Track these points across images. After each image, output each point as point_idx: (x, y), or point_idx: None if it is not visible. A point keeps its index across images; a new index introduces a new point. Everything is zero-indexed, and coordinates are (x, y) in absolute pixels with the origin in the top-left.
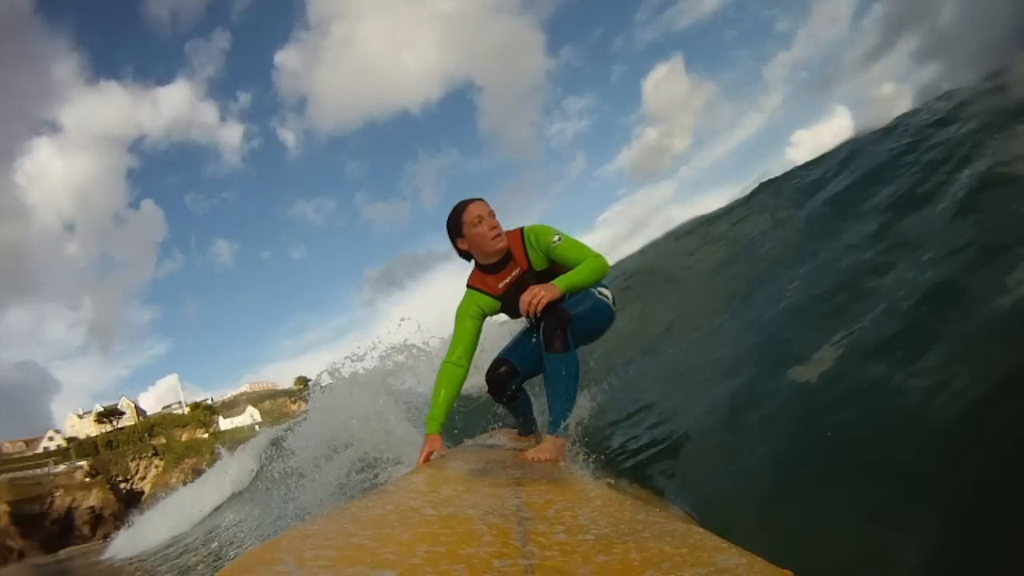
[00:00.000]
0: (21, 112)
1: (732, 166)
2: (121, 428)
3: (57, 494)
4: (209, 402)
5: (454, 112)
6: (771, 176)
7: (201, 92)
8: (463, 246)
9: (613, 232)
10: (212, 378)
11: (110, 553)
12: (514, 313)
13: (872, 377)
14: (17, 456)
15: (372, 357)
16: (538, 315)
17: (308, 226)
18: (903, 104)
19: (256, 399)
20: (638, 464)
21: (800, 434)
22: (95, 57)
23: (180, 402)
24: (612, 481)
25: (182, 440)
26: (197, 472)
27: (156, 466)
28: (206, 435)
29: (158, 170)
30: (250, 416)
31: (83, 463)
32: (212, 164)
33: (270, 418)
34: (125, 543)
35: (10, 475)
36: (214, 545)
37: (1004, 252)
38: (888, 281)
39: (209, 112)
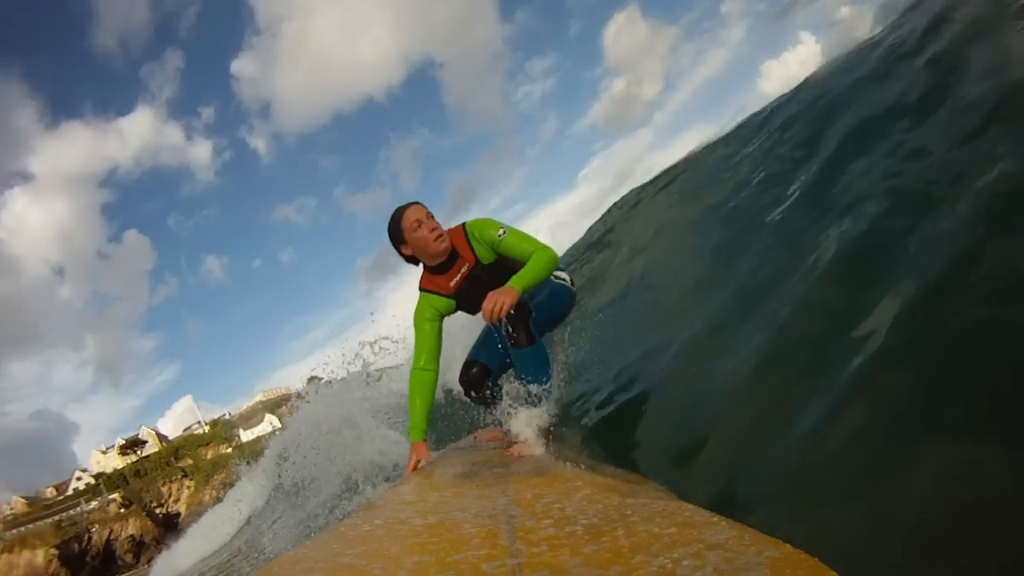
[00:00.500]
0: None
1: (706, 105)
2: (146, 456)
3: (94, 530)
4: (227, 417)
5: (418, 92)
6: (746, 108)
7: (163, 115)
8: (407, 251)
9: (596, 188)
10: (226, 393)
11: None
12: (471, 310)
13: (868, 343)
14: (52, 500)
15: (348, 360)
16: (502, 321)
17: (294, 228)
18: (863, 26)
19: (272, 406)
20: (624, 446)
21: (787, 404)
22: (51, 101)
23: (199, 422)
24: (598, 467)
25: (208, 458)
26: (229, 486)
27: (188, 487)
28: (230, 449)
29: (135, 199)
30: (269, 424)
31: (115, 496)
32: (187, 184)
33: (288, 422)
34: (164, 568)
35: (50, 520)
36: (238, 559)
37: None
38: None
39: (174, 133)
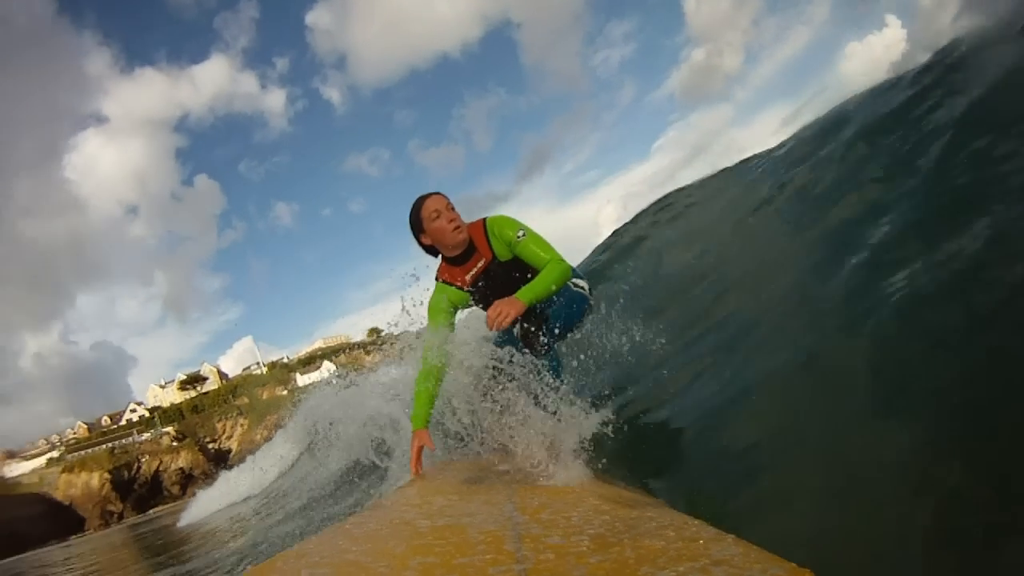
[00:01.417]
0: (62, 111)
1: (787, 83)
2: (205, 393)
3: (143, 460)
4: (285, 360)
5: (495, 51)
6: (827, 89)
7: (238, 64)
8: (426, 241)
9: (670, 158)
10: (286, 337)
11: (184, 518)
12: (485, 306)
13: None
14: (107, 428)
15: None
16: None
17: (365, 179)
18: (946, 15)
19: (330, 353)
20: (633, 460)
21: (800, 423)
22: (125, 47)
23: (258, 363)
24: (606, 479)
25: (263, 399)
26: (279, 427)
27: (241, 425)
28: (285, 392)
29: (207, 145)
30: (326, 370)
31: (168, 429)
32: (260, 131)
33: (345, 371)
34: (198, 507)
35: (105, 447)
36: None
37: None
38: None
39: (249, 82)
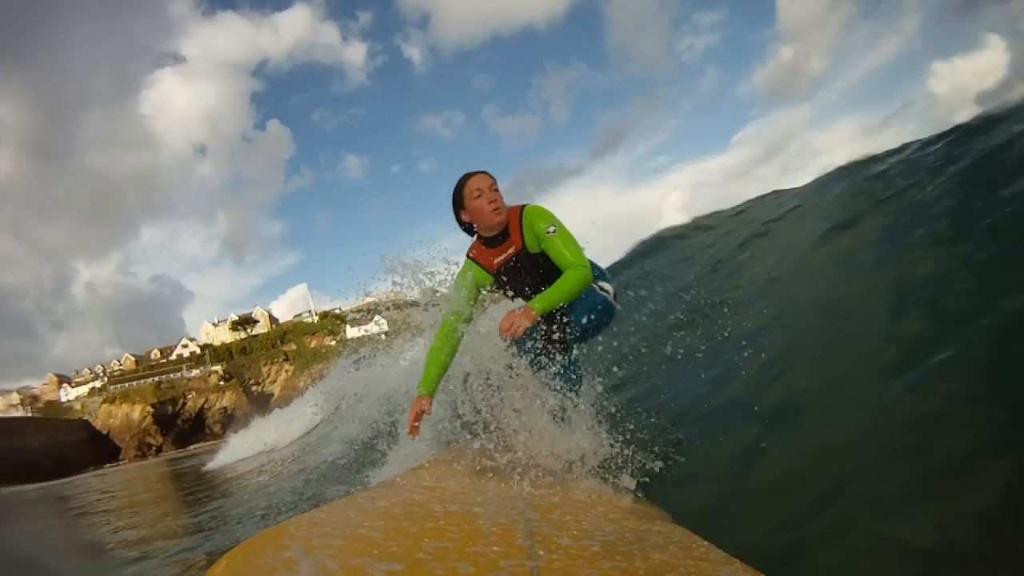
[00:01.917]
0: (142, 48)
1: (871, 92)
2: (255, 335)
3: (190, 396)
4: (338, 311)
5: (580, 26)
6: (912, 105)
7: (321, 14)
8: (465, 218)
9: (747, 154)
10: (340, 287)
11: (213, 462)
12: (507, 292)
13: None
14: (156, 362)
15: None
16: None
17: (437, 139)
18: None
19: (384, 308)
20: (650, 472)
21: (819, 448)
22: None
23: (310, 311)
24: (621, 487)
25: (311, 347)
26: (323, 376)
27: (286, 371)
28: (334, 342)
29: (282, 91)
30: (377, 325)
31: (217, 368)
32: (337, 83)
33: (397, 327)
34: (231, 449)
35: (152, 380)
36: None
37: None
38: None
39: (330, 33)
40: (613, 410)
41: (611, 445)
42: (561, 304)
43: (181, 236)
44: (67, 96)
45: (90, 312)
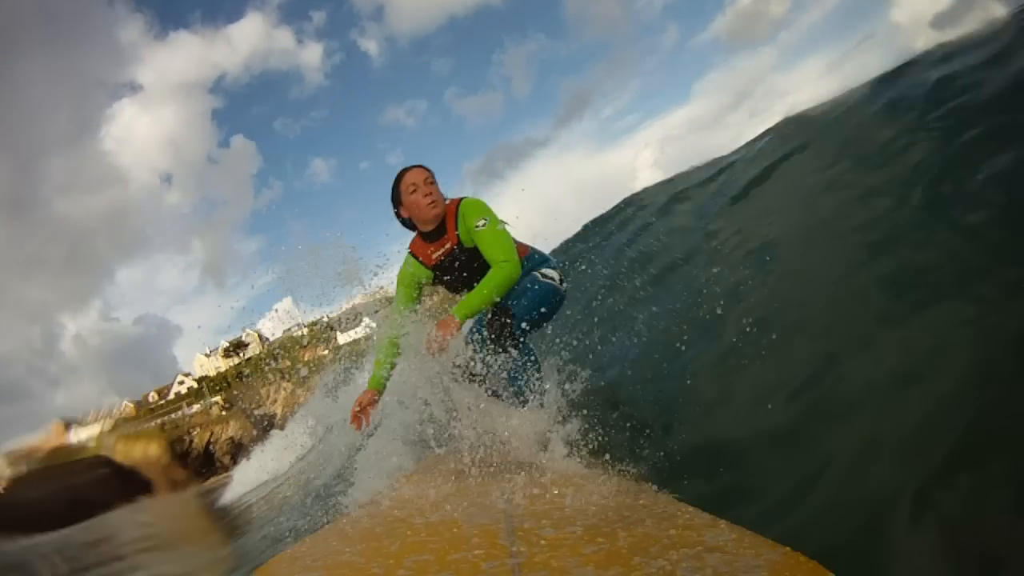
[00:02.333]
0: (97, 83)
1: (833, 29)
2: (248, 358)
3: (195, 432)
4: (326, 319)
5: None
6: (873, 37)
7: (274, 19)
8: (404, 214)
9: (712, 102)
10: (325, 295)
11: (223, 496)
12: (448, 288)
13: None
14: (155, 404)
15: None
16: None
17: (402, 130)
18: None
19: (370, 309)
20: (626, 447)
21: (793, 406)
22: (159, 12)
23: (298, 324)
24: (599, 467)
25: (305, 359)
26: (324, 386)
27: (284, 388)
28: (327, 351)
29: (242, 104)
30: (366, 327)
31: (217, 399)
32: (296, 87)
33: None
34: (237, 483)
35: (155, 423)
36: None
37: None
38: None
39: (285, 38)
40: (579, 391)
41: (583, 425)
42: (484, 307)
43: (159, 270)
44: (28, 146)
45: (82, 365)
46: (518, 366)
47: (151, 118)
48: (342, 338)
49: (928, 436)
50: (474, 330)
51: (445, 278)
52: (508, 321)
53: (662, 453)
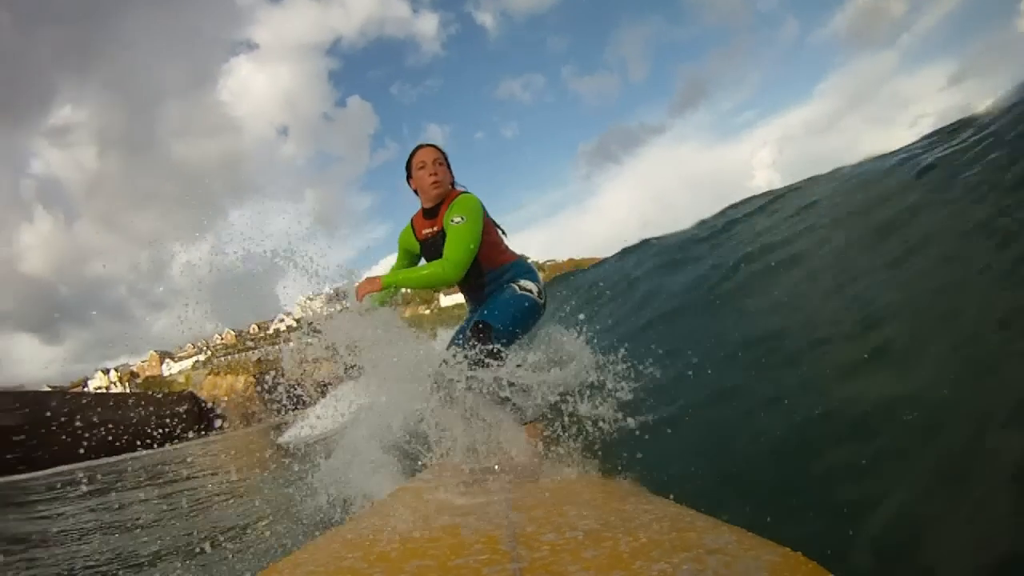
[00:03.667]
0: (213, 39)
1: (954, 37)
2: (348, 307)
3: (285, 370)
4: None
5: None
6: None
7: None
8: (412, 186)
9: (832, 105)
10: None
11: (285, 435)
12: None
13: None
14: (254, 336)
15: None
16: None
17: (518, 104)
18: None
19: None
20: (628, 452)
21: (795, 415)
22: None
23: None
24: (600, 472)
25: (405, 316)
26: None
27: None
28: (427, 311)
29: (359, 68)
30: None
31: (312, 340)
32: (412, 55)
33: None
34: (294, 430)
35: (251, 354)
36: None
37: None
38: None
39: (400, 7)
40: (574, 396)
41: (578, 429)
42: (405, 286)
43: (271, 215)
44: (147, 92)
45: (188, 291)
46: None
47: (267, 75)
48: (445, 300)
49: (929, 438)
50: (457, 339)
51: (426, 257)
52: (487, 332)
53: (666, 457)
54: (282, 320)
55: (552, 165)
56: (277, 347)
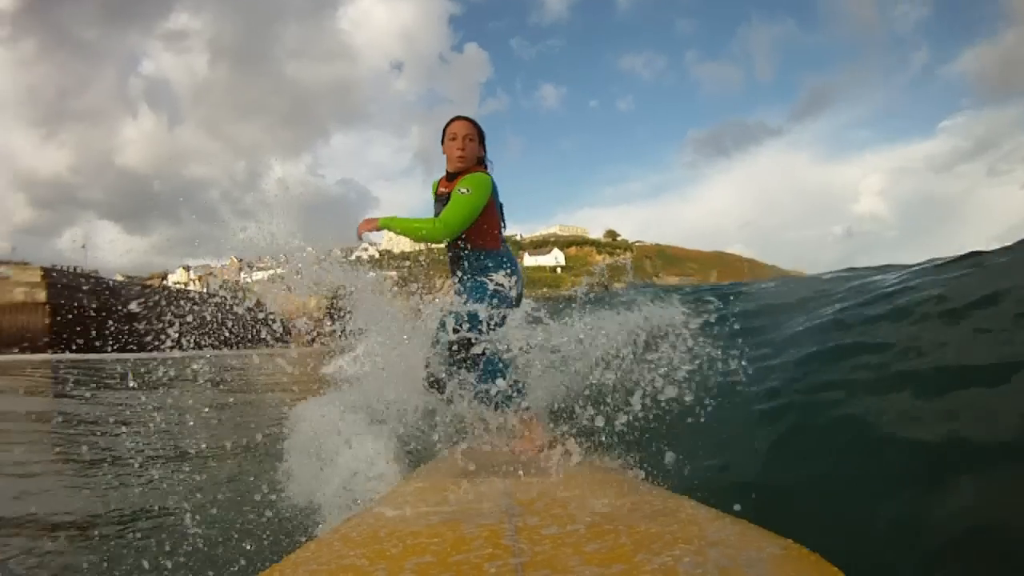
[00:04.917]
0: None
1: None
2: (434, 249)
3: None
4: (517, 238)
5: None
6: None
7: None
8: (444, 151)
9: (952, 146)
10: (523, 214)
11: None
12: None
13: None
14: (336, 259)
15: None
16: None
17: (637, 80)
18: None
19: (563, 243)
20: (629, 445)
21: (795, 409)
22: None
23: None
24: (602, 465)
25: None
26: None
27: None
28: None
29: (480, 16)
30: (554, 258)
31: (392, 273)
32: (535, 13)
33: (573, 263)
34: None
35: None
36: None
37: None
38: None
39: None
40: (594, 384)
41: (582, 424)
42: (395, 229)
43: (372, 145)
44: (267, 9)
45: (278, 205)
46: (482, 371)
47: (389, 8)
48: (529, 260)
49: (929, 436)
50: (439, 331)
51: (435, 212)
52: (466, 340)
53: (663, 449)
54: (365, 249)
55: (658, 146)
56: (356, 274)
